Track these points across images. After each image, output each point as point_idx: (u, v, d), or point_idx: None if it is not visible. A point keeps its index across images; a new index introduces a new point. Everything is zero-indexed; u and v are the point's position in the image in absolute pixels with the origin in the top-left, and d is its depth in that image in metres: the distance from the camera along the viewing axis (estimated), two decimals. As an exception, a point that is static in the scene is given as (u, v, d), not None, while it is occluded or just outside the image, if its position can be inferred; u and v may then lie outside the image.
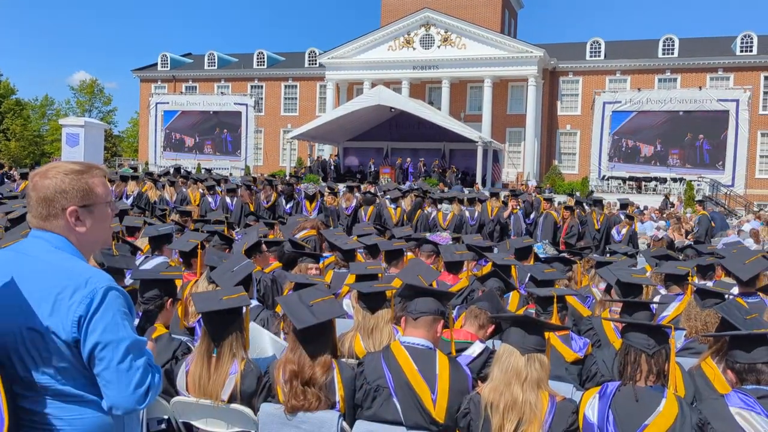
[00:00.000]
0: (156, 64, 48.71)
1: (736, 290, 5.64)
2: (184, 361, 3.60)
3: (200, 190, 14.44)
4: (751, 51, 36.32)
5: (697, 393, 3.49)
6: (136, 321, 3.67)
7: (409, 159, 34.08)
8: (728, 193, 30.05)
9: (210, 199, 13.91)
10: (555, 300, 4.22)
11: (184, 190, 14.46)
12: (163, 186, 14.68)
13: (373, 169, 34.29)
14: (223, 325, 3.49)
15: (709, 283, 6.27)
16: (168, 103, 40.81)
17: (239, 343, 3.51)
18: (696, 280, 6.37)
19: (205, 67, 47.39)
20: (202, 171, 28.66)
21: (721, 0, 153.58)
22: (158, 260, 6.09)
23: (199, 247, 5.48)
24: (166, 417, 3.66)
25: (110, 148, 55.91)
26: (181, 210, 11.38)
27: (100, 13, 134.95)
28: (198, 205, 13.34)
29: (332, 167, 35.67)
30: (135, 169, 21.67)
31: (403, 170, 33.19)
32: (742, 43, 36.64)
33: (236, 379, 3.45)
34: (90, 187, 2.17)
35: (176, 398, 3.57)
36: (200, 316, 4.45)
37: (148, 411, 3.58)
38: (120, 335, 2.04)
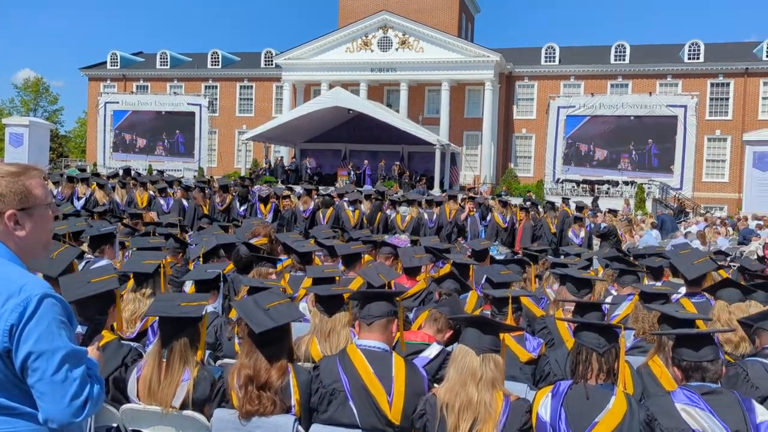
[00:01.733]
0: (105, 63, 47.54)
1: (683, 290, 5.82)
2: (135, 367, 3.51)
3: (149, 192, 14.12)
4: (698, 58, 37.60)
5: (645, 390, 3.59)
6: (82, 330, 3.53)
7: (366, 161, 34.09)
8: (677, 195, 31.01)
9: (162, 202, 13.62)
10: (510, 301, 4.28)
11: (134, 192, 14.12)
12: (114, 188, 14.31)
13: (309, 170, 34.12)
14: (176, 331, 3.42)
15: (658, 284, 6.46)
16: (118, 102, 39.78)
17: (192, 349, 3.44)
18: (647, 281, 6.55)
19: (157, 67, 46.47)
20: (154, 172, 28.06)
21: (671, 8, 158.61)
22: (101, 263, 5.92)
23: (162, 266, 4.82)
24: (114, 425, 3.57)
25: (56, 148, 54.27)
26: (132, 212, 11.13)
27: (46, 9, 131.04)
28: (145, 208, 13.04)
29: (291, 168, 35.34)
30: (83, 170, 21.04)
31: (362, 172, 33.20)
32: (689, 50, 37.90)
33: (188, 386, 3.38)
34: (28, 189, 2.08)
35: (125, 405, 3.48)
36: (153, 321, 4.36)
37: (96, 419, 3.48)
38: (55, 345, 1.96)
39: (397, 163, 34.54)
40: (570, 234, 13.84)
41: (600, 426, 2.89)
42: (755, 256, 15.84)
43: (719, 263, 7.91)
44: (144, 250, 5.72)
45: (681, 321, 3.38)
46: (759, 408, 2.94)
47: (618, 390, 3.01)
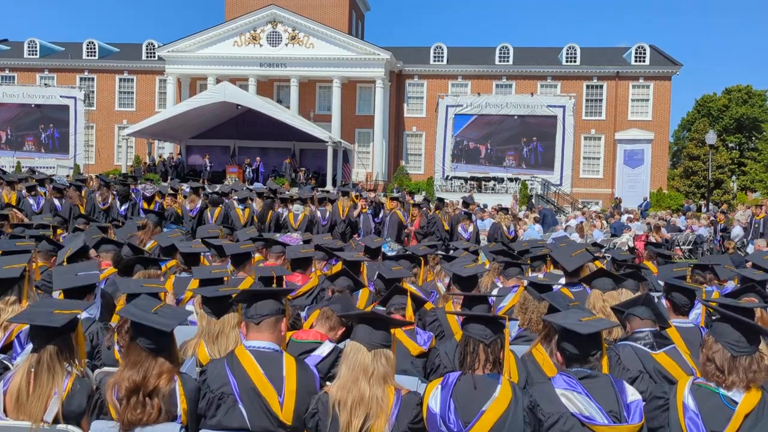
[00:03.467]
0: (-34, 50, 43.57)
1: (563, 281, 6.15)
2: (2, 380, 3.22)
3: (17, 191, 13.04)
4: (575, 61, 39.97)
5: (529, 377, 3.74)
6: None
7: (258, 158, 33.44)
8: (557, 191, 32.83)
9: (32, 201, 12.62)
10: (409, 297, 4.36)
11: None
12: (-25, 187, 13.07)
13: (210, 168, 33.09)
14: (44, 341, 3.16)
15: (540, 275, 6.78)
16: (-22, 94, 36.53)
17: (62, 360, 3.18)
18: (529, 272, 6.86)
19: (25, 56, 43.06)
20: (23, 170, 25.97)
21: (549, 12, 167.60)
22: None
23: (27, 269, 4.44)
24: (-23, 445, 3.25)
25: None
26: None
27: None
28: (13, 208, 12.03)
29: (171, 166, 33.95)
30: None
31: (253, 170, 32.51)
32: (567, 53, 40.20)
33: (60, 399, 3.14)
34: None
35: None
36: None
37: (-46, 441, 3.16)
38: None
39: (289, 158, 34.13)
40: (459, 229, 14.24)
41: (487, 414, 2.99)
42: (626, 247, 17.08)
43: (595, 254, 8.45)
44: (9, 254, 5.24)
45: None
46: (629, 389, 3.15)
47: (503, 379, 3.12)
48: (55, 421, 3.13)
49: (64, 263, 5.61)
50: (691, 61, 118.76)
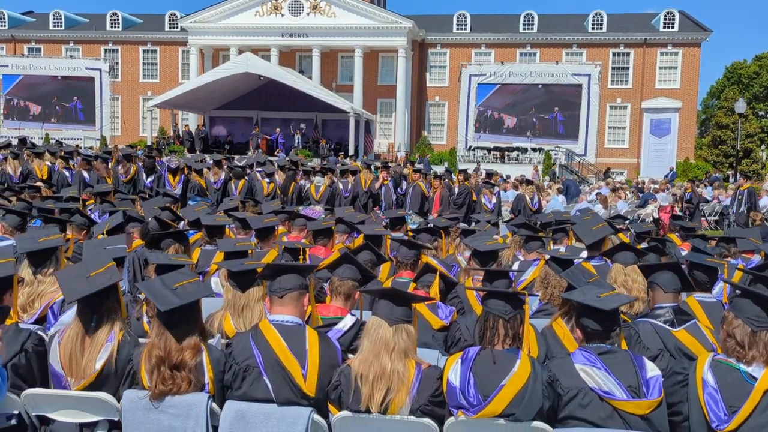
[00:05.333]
0: (-8, 22, 43.97)
1: (585, 254, 6.14)
2: (56, 336, 3.38)
3: (47, 163, 13.27)
4: (601, 28, 39.10)
5: (549, 351, 3.79)
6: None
7: (278, 129, 33.50)
8: (581, 161, 32.46)
9: (66, 174, 12.85)
10: (438, 274, 4.41)
11: (29, 164, 13.22)
12: (5, 159, 13.31)
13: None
14: (98, 299, 3.35)
15: (562, 248, 6.78)
16: (7, 66, 36.89)
17: (116, 313, 3.41)
18: (551, 246, 6.86)
19: (51, 27, 43.37)
20: (51, 141, 26.37)
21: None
22: (6, 243, 5.56)
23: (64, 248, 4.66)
24: (16, 412, 3.41)
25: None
26: (31, 186, 10.45)
27: None
28: (46, 180, 12.27)
29: (199, 138, 34.19)
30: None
31: (274, 141, 32.64)
32: (593, 20, 39.33)
33: (113, 347, 3.31)
34: None
35: (27, 391, 3.33)
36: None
37: (-5, 406, 3.31)
38: None
39: (299, 127, 33.84)
40: (483, 200, 14.25)
41: (506, 388, 3.04)
42: (651, 219, 16.91)
43: (618, 227, 8.40)
44: (52, 222, 5.44)
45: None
46: (649, 364, 3.17)
47: (522, 354, 3.16)
48: (103, 372, 3.28)
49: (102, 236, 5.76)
50: (721, 28, 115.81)
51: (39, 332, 3.71)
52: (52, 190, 11.03)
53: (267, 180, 13.14)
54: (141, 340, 3.84)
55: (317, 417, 3.23)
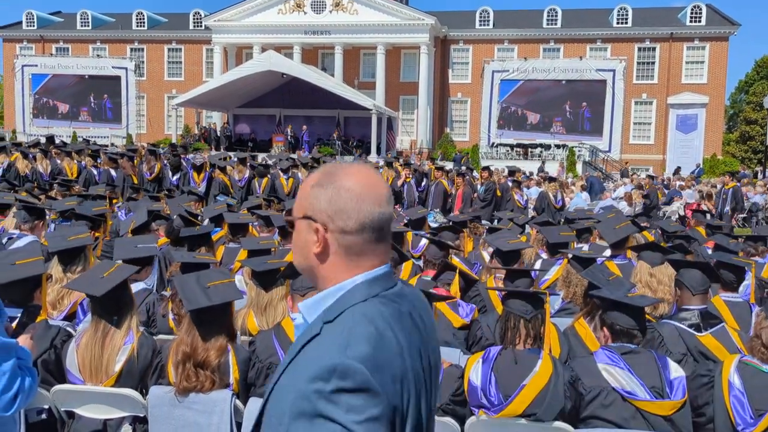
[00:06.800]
0: (21, 23, 44.69)
1: (608, 252, 6.09)
2: (72, 341, 3.43)
3: (76, 161, 13.51)
4: (626, 23, 38.56)
5: (571, 351, 3.76)
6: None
7: (305, 127, 33.64)
8: (606, 158, 32.08)
9: (95, 172, 13.07)
10: (457, 273, 4.41)
11: (58, 162, 13.46)
12: (35, 157, 13.58)
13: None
14: (112, 300, 3.39)
15: (585, 246, 6.72)
16: (37, 65, 37.56)
17: (130, 311, 3.46)
18: (574, 245, 6.80)
19: (78, 27, 44.02)
20: (79, 140, 26.79)
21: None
22: (27, 239, 5.66)
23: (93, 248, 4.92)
24: (46, 407, 3.48)
25: (-30, 115, 51.11)
26: (60, 182, 10.65)
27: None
28: (75, 179, 12.50)
29: (224, 135, 34.45)
30: (2, 138, 19.89)
31: (297, 138, 32.78)
32: (618, 15, 38.80)
33: (131, 348, 3.36)
34: None
35: (57, 387, 3.40)
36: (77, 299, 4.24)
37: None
38: None
39: (336, 130, 34.17)
40: (516, 196, 14.23)
41: (527, 388, 3.04)
42: (676, 216, 16.68)
43: (642, 225, 8.30)
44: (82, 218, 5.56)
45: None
46: (673, 365, 3.15)
47: (544, 354, 3.16)
48: (122, 373, 3.34)
49: (129, 235, 5.84)
50: (751, 20, 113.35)
51: (68, 329, 3.80)
52: (81, 188, 11.23)
53: (285, 177, 13.18)
54: (164, 337, 3.91)
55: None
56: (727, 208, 16.29)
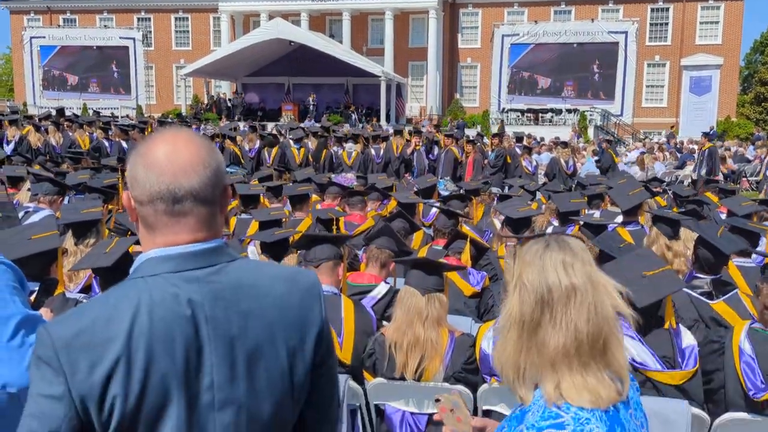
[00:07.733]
0: (28, -6, 44.42)
1: (620, 219, 6.06)
2: None
3: (87, 133, 13.54)
4: (639, -17, 37.68)
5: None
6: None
7: (313, 95, 33.42)
8: (618, 122, 31.71)
9: (106, 143, 13.11)
10: (469, 241, 4.41)
11: (71, 134, 13.49)
12: (46, 130, 13.61)
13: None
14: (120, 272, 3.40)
15: (596, 213, 6.70)
16: (44, 37, 37.37)
17: None
18: (586, 211, 6.78)
19: (84, -3, 43.65)
20: (89, 112, 26.83)
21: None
22: (43, 213, 5.71)
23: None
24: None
25: (-21, 88, 51.20)
26: (71, 156, 10.70)
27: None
28: (88, 151, 12.55)
29: (234, 104, 34.27)
30: (15, 111, 19.91)
31: (305, 107, 32.61)
32: (630, -25, 37.89)
33: None
34: None
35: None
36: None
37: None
38: (9, 311, 1.97)
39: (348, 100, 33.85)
40: (524, 163, 14.15)
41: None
42: (689, 180, 16.53)
43: (655, 190, 8.24)
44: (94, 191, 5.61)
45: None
46: (686, 333, 3.15)
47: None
48: None
49: None
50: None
51: (85, 301, 3.85)
52: (94, 161, 11.27)
53: (296, 146, 13.16)
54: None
55: (353, 383, 3.30)
56: (703, 170, 15.80)
